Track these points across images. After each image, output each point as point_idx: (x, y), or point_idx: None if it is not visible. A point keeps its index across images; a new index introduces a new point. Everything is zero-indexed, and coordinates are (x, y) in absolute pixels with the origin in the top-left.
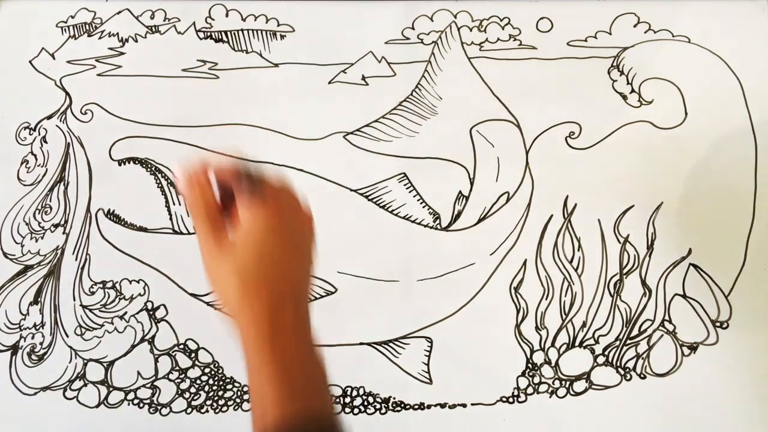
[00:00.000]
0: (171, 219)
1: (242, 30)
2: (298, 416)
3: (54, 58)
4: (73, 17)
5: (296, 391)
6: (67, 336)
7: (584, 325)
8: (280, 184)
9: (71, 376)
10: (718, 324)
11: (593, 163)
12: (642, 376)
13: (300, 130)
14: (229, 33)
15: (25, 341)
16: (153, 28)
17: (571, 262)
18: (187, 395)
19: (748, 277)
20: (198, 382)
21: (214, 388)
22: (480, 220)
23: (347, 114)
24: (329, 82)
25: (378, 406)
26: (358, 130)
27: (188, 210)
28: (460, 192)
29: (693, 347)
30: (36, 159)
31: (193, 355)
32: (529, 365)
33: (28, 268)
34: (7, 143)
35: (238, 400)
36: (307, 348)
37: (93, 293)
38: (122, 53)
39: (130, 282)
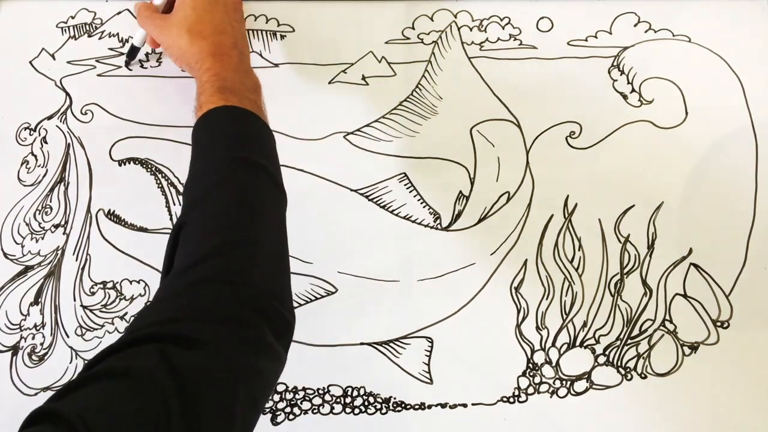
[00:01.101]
0: (171, 219)
1: None
2: (232, 102)
3: (54, 59)
4: (73, 17)
5: (230, 88)
6: (68, 336)
7: (585, 324)
8: None
9: (72, 376)
10: (718, 324)
11: (593, 163)
12: (643, 375)
13: (300, 130)
14: None
15: (25, 342)
16: None
17: (571, 261)
18: None
19: (748, 277)
20: None
21: None
22: (480, 220)
23: (347, 114)
24: (329, 82)
25: (378, 406)
26: (358, 130)
27: (137, 19)
28: (460, 192)
29: (694, 347)
30: (36, 159)
31: None
32: (530, 365)
33: (28, 268)
34: (7, 144)
35: None
36: (244, 71)
37: (93, 293)
38: (122, 53)
39: (131, 282)
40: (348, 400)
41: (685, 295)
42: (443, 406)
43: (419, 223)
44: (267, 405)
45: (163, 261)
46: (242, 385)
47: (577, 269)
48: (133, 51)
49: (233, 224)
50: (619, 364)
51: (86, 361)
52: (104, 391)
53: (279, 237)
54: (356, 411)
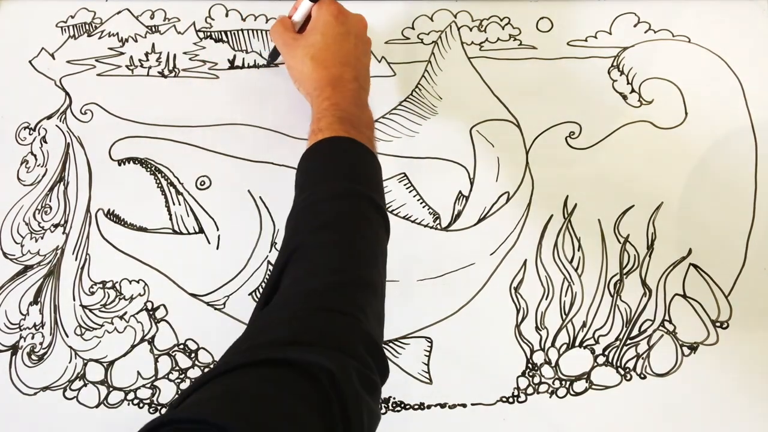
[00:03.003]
0: (171, 219)
1: (242, 30)
2: (349, 134)
3: (54, 58)
4: (73, 17)
5: (346, 125)
6: (67, 336)
7: (584, 325)
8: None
9: (71, 376)
10: (718, 324)
11: (593, 163)
12: (642, 376)
13: (300, 130)
14: (229, 33)
15: (24, 341)
16: (153, 28)
17: (571, 262)
18: None
19: (748, 277)
20: None
21: None
22: (480, 220)
23: None
24: None
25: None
26: None
27: (270, 34)
28: (460, 192)
29: (693, 347)
30: (36, 159)
31: (193, 355)
32: (529, 365)
33: (27, 268)
34: (6, 143)
35: None
36: (362, 105)
37: (93, 293)
38: (122, 53)
39: (130, 282)
40: None
41: (684, 296)
42: (443, 406)
43: (419, 223)
44: None
45: (270, 276)
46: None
47: (576, 269)
48: (276, 53)
49: (358, 261)
50: (618, 364)
51: (85, 362)
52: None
53: (385, 284)
54: None
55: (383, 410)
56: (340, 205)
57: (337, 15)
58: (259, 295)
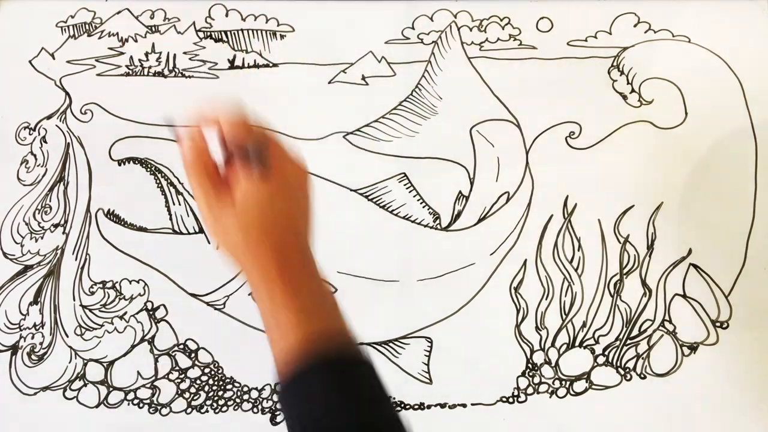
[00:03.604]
0: (171, 219)
1: (242, 30)
2: (319, 334)
3: (54, 58)
4: (73, 17)
5: (312, 314)
6: (67, 336)
7: (584, 325)
8: (279, 147)
9: (71, 376)
10: (718, 324)
11: (593, 163)
12: (642, 376)
13: (300, 130)
14: (229, 33)
15: (24, 341)
16: (153, 28)
17: (571, 262)
18: (187, 395)
19: (748, 277)
20: (198, 382)
21: (214, 388)
22: (480, 220)
23: (347, 114)
24: (329, 82)
25: None
26: (358, 130)
27: (185, 168)
28: (460, 192)
29: (693, 347)
30: (36, 159)
31: (192, 355)
32: (529, 365)
33: (27, 268)
34: (6, 143)
35: (237, 400)
36: (317, 280)
37: (93, 293)
38: (122, 53)
39: (130, 282)
40: None
41: (684, 296)
42: (442, 406)
43: (419, 223)
44: (267, 405)
45: None
46: None
47: (576, 269)
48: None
49: None
50: (618, 364)
51: (85, 361)
52: None
53: None
54: None
55: None
56: None
57: (275, 188)
58: None
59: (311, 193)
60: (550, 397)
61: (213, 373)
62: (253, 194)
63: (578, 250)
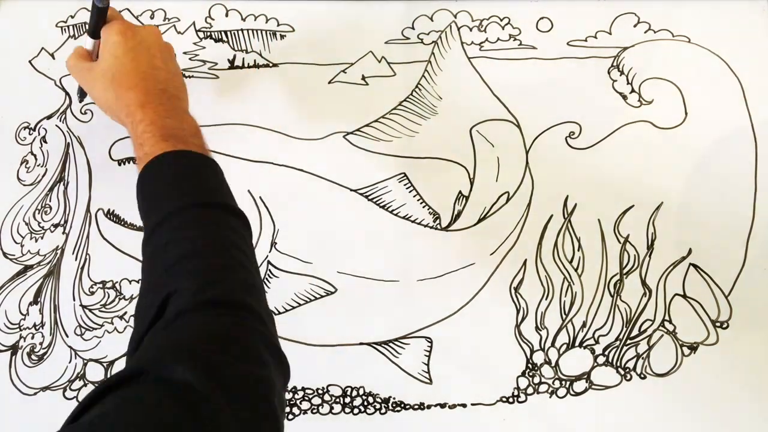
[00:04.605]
0: None
1: (242, 30)
2: (174, 145)
3: (54, 58)
4: (73, 17)
5: (172, 137)
6: (67, 336)
7: (584, 325)
8: (124, 22)
9: (71, 376)
10: (718, 324)
11: (593, 163)
12: (642, 376)
13: (300, 130)
14: (229, 33)
15: (24, 341)
16: None
17: (571, 262)
18: None
19: (748, 277)
20: None
21: None
22: (480, 220)
23: (347, 114)
24: (329, 82)
25: (378, 406)
26: (358, 130)
27: (67, 65)
28: (460, 192)
29: (693, 347)
30: (36, 159)
31: None
32: (529, 365)
33: (27, 268)
34: (6, 143)
35: None
36: (179, 115)
37: (93, 293)
38: None
39: (130, 282)
40: (347, 400)
41: (684, 296)
42: (442, 406)
43: (419, 223)
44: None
45: (141, 316)
46: None
47: (576, 269)
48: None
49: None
50: (618, 364)
51: (85, 362)
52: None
53: (260, 276)
54: (355, 411)
55: (383, 410)
56: (195, 221)
57: (125, 31)
58: None
59: (169, 53)
60: (550, 397)
61: None
62: (110, 53)
63: (578, 250)
